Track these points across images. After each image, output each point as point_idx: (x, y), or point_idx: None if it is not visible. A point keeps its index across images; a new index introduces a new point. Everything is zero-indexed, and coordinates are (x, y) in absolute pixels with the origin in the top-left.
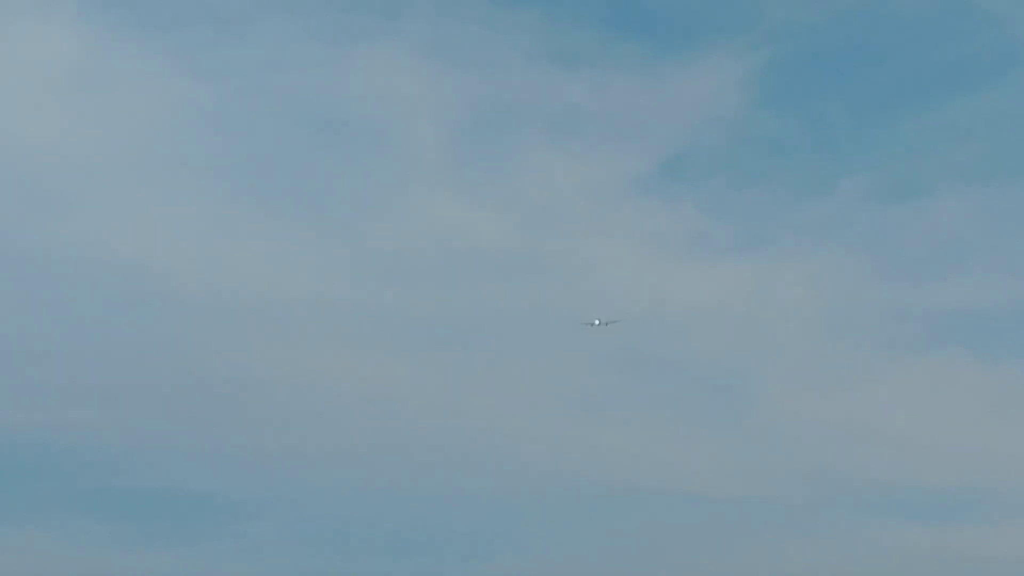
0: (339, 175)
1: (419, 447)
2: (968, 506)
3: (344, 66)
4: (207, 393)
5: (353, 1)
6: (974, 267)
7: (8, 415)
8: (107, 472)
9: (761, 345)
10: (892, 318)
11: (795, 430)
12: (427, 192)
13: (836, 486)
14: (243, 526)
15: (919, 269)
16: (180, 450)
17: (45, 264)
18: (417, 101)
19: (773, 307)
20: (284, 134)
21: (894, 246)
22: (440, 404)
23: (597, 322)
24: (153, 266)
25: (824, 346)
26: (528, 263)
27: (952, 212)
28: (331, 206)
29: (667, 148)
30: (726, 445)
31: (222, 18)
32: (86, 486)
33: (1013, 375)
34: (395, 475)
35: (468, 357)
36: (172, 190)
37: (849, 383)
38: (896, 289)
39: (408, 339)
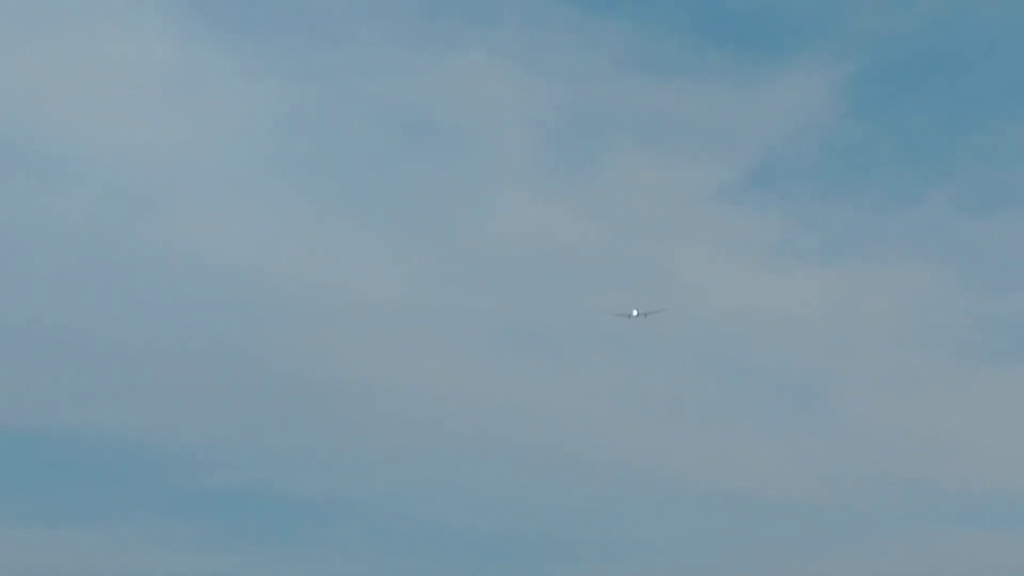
0: (430, 179)
1: (507, 449)
2: None
3: (436, 72)
4: (296, 395)
5: (445, 8)
6: None
7: (101, 415)
8: (196, 472)
9: (845, 352)
10: (976, 328)
11: (878, 437)
12: (516, 197)
13: (917, 493)
14: (333, 527)
15: (1004, 280)
16: (269, 451)
17: (138, 266)
18: (507, 107)
19: (858, 315)
20: (376, 138)
21: (979, 256)
22: (528, 406)
23: (635, 312)
24: (245, 269)
25: (908, 354)
26: (615, 268)
27: None
28: (422, 210)
29: (755, 156)
30: (808, 451)
31: (315, 23)
32: (176, 486)
33: None
34: (484, 477)
35: (555, 359)
36: (265, 193)
37: (933, 391)
38: (981, 299)
39: (496, 341)
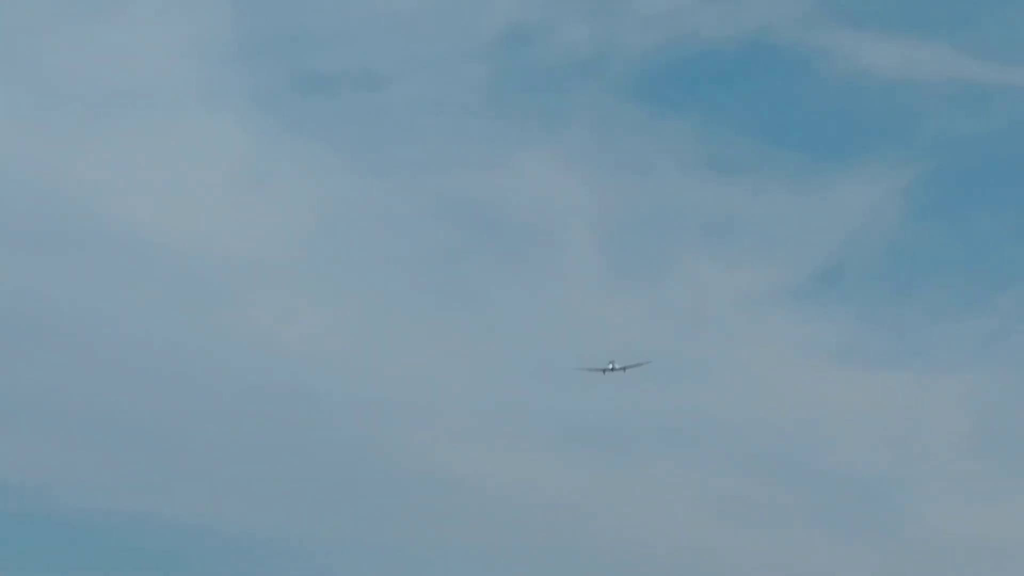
0: (497, 275)
1: (570, 544)
2: None
3: (502, 169)
4: (359, 487)
5: (513, 107)
6: None
7: (168, 503)
8: (276, 563)
9: (912, 457)
10: None
11: (945, 544)
12: (582, 294)
13: None
14: None
15: None
16: (336, 542)
17: (209, 354)
18: (574, 205)
19: (925, 419)
20: (442, 233)
21: None
22: (591, 503)
23: (612, 366)
24: (312, 361)
25: (976, 461)
26: (680, 367)
27: None
28: (487, 305)
29: (821, 257)
30: (874, 557)
31: (383, 119)
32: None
33: None
34: (546, 572)
35: (619, 460)
36: (333, 284)
37: (999, 499)
38: None
39: (561, 442)
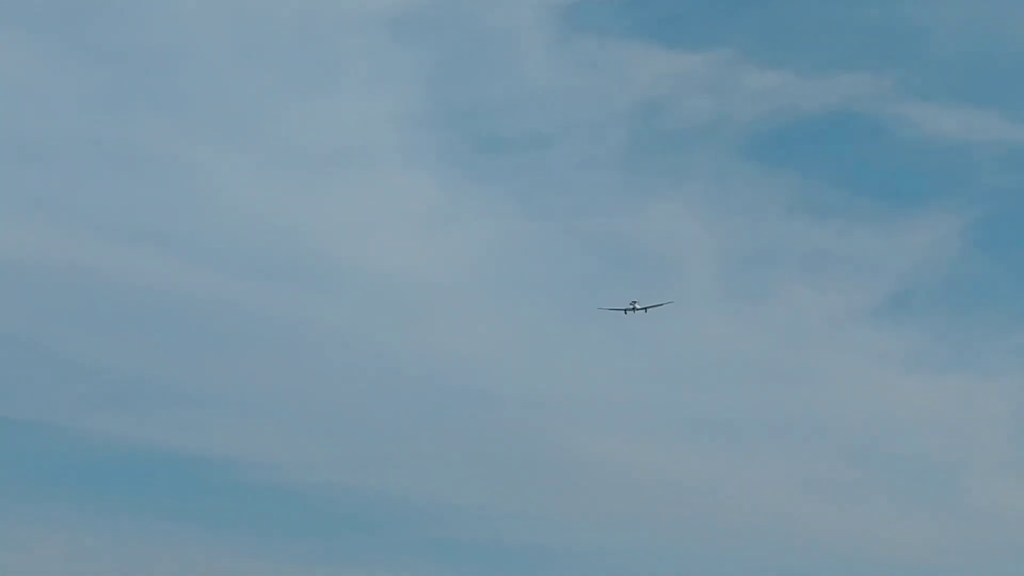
0: (634, 298)
1: (687, 515)
2: None
3: (641, 214)
4: (526, 465)
5: (650, 165)
6: None
7: (384, 482)
8: (438, 524)
9: (968, 445)
10: None
11: (995, 513)
12: (701, 315)
13: None
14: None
15: None
16: (503, 511)
17: (409, 360)
18: (696, 243)
19: (979, 414)
20: (592, 263)
21: None
22: (712, 485)
23: (633, 305)
24: (485, 367)
25: (1017, 447)
26: (782, 373)
27: None
28: (625, 321)
29: (896, 284)
30: (940, 526)
31: (550, 172)
32: (422, 536)
33: None
34: (665, 538)
35: (733, 448)
36: (504, 306)
37: None
38: None
39: (686, 427)
